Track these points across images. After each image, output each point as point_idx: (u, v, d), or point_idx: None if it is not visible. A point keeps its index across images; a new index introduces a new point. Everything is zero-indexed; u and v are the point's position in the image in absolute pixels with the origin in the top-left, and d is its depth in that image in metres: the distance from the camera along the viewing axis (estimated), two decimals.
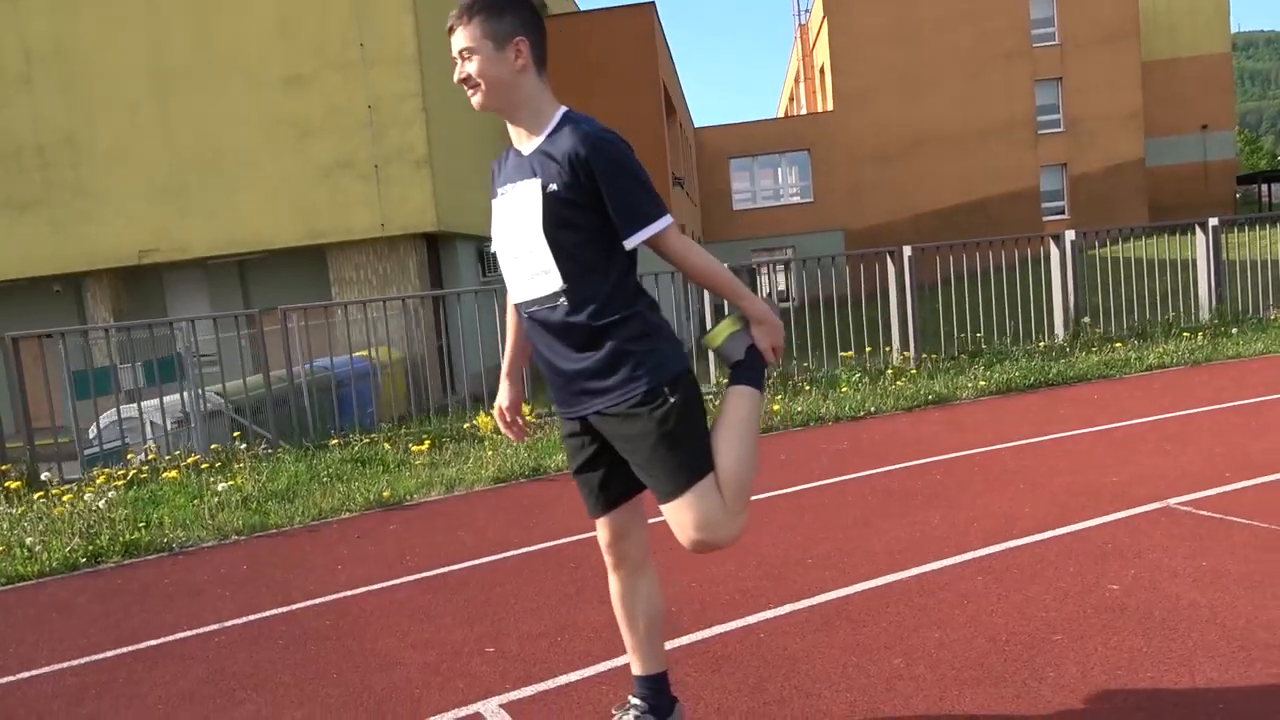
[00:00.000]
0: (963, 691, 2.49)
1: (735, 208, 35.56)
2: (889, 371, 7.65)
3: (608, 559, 2.30)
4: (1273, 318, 9.09)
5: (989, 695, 2.46)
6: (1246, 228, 9.58)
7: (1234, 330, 8.58)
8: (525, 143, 2.11)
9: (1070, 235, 8.89)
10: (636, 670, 2.34)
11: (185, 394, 8.48)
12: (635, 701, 2.33)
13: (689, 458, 2.06)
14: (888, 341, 8.43)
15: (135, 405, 7.74)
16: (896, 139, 33.82)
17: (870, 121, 33.76)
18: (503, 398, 2.45)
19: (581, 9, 24.48)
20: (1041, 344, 8.44)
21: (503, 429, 2.48)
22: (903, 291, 8.37)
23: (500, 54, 2.04)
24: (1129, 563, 3.35)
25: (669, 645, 2.96)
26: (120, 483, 5.84)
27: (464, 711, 2.66)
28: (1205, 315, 9.16)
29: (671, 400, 2.04)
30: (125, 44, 14.79)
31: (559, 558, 4.06)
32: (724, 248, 34.25)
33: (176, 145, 14.92)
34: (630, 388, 2.04)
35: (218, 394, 8.89)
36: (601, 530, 2.27)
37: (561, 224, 2.03)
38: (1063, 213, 33.75)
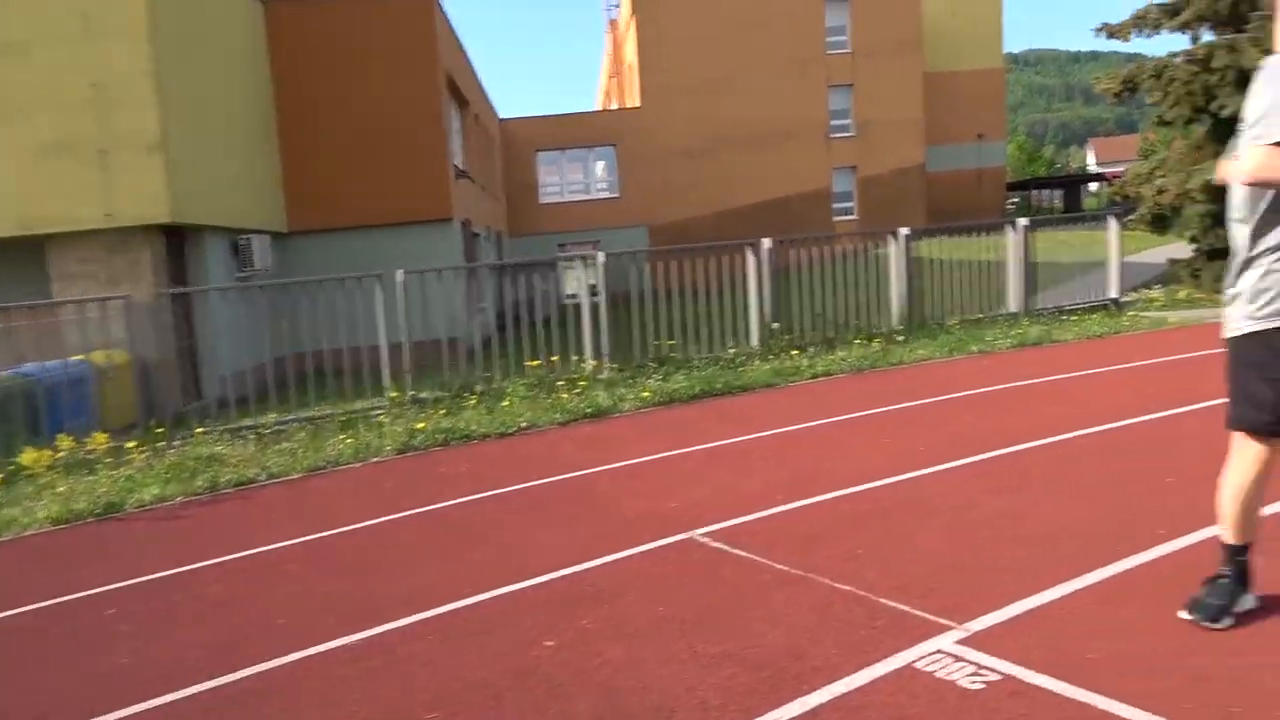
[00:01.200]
0: None
1: (542, 201, 35.22)
2: (561, 383, 7.47)
3: None
4: (951, 324, 9.58)
5: None
6: (939, 236, 10.07)
7: (900, 338, 8.96)
8: None
9: (767, 244, 9.03)
10: None
11: None
12: None
13: None
14: (579, 350, 8.27)
15: None
16: (700, 137, 34.44)
17: (675, 119, 34.21)
18: None
19: None
20: (732, 351, 8.51)
21: None
22: (595, 299, 8.24)
23: None
24: (593, 610, 3.20)
25: None
26: None
27: None
28: (895, 322, 9.55)
29: None
30: None
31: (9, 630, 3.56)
32: (530, 242, 33.87)
33: None
34: None
35: None
36: None
37: None
38: (852, 214, 35.37)
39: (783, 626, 2.94)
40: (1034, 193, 47.67)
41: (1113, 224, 11.10)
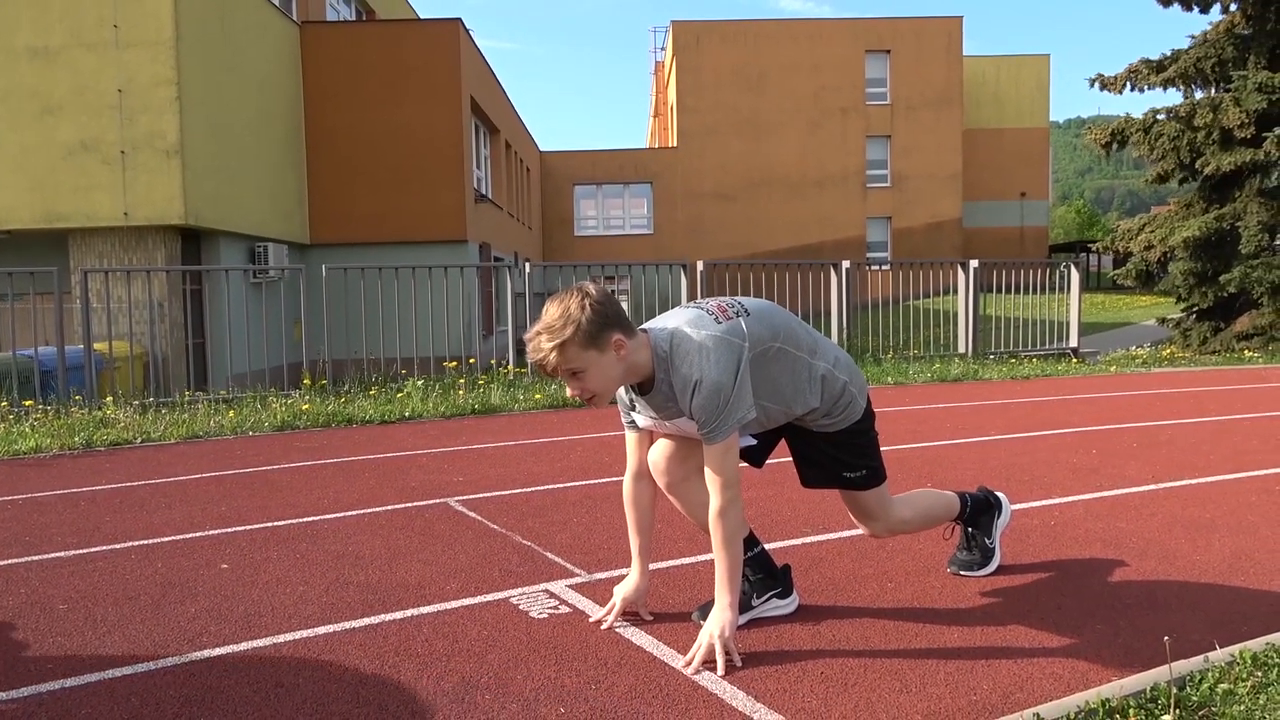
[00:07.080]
0: None
1: (577, 233, 35.83)
2: (462, 380, 7.70)
3: None
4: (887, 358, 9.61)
5: None
6: None
7: None
8: None
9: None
10: None
11: None
12: None
13: None
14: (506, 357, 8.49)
15: None
16: (736, 179, 34.77)
17: (712, 160, 34.65)
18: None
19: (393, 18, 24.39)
20: None
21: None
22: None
23: None
24: (294, 546, 3.39)
25: None
26: None
27: None
28: None
29: None
30: None
31: None
32: (563, 271, 34.42)
33: None
34: None
35: None
36: None
37: None
38: (886, 264, 35.18)
39: (435, 565, 3.10)
40: (1080, 255, 46.95)
41: (1074, 273, 11.02)
